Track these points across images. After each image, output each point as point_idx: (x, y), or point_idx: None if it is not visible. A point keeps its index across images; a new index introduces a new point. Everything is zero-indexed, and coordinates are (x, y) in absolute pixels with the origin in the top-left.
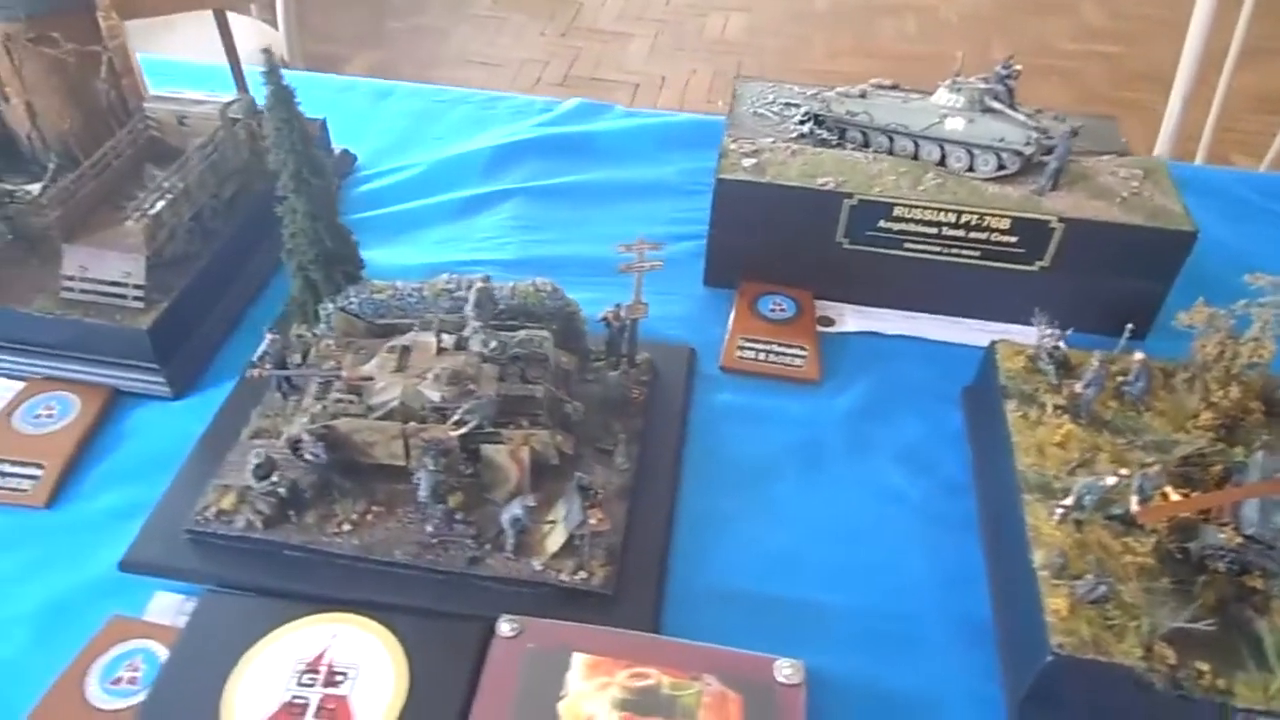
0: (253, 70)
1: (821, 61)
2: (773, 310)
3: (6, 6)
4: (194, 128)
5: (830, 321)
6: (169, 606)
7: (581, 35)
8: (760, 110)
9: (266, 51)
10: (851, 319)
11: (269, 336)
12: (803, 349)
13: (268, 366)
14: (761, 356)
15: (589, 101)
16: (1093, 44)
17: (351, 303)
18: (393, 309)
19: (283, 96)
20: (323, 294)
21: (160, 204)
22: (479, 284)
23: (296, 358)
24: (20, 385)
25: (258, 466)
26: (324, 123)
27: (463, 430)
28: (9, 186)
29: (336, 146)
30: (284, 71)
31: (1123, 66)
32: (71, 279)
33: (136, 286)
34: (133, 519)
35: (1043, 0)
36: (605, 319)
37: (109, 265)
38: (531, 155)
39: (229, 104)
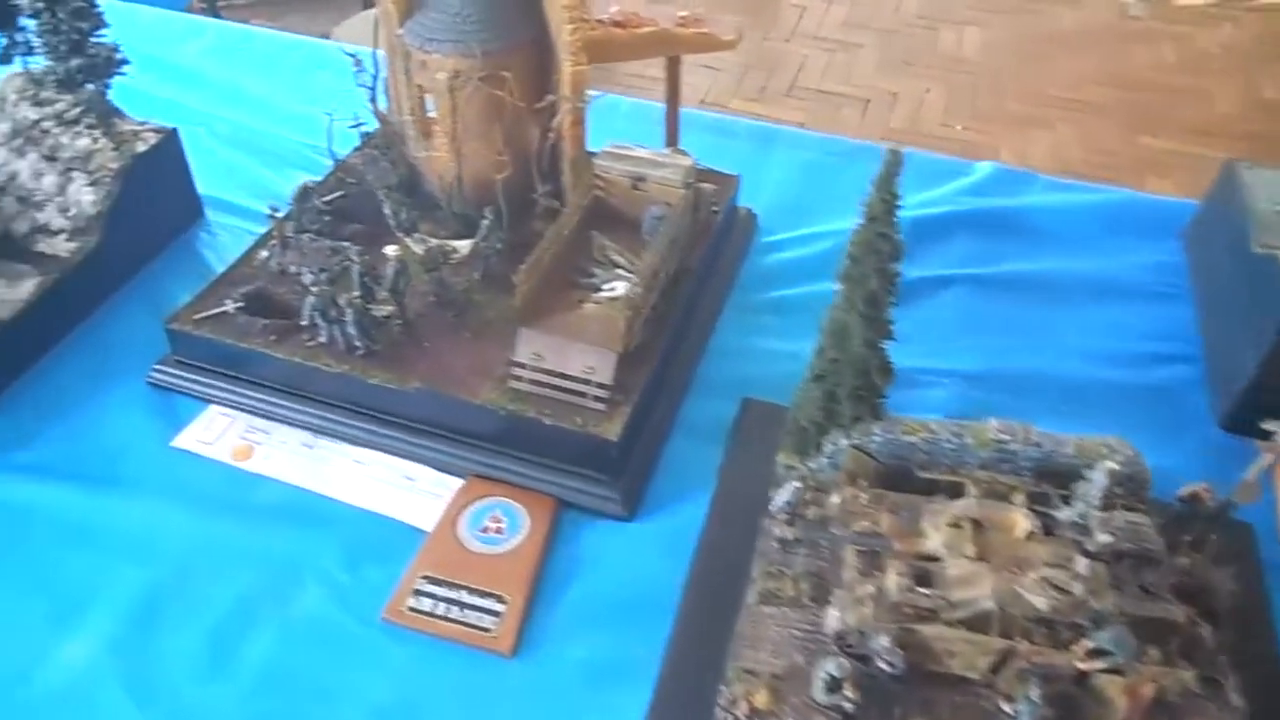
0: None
1: (1066, 88)
2: None
3: (460, 40)
4: (648, 194)
5: None
6: None
7: (805, 42)
8: None
9: (893, 153)
10: None
11: (794, 485)
12: None
13: (785, 517)
14: None
15: (1006, 168)
16: None
17: (874, 441)
18: (918, 454)
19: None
20: (838, 423)
21: (626, 287)
22: (1073, 455)
23: (785, 494)
24: (459, 483)
25: (830, 680)
26: (739, 180)
27: (1099, 666)
28: (437, 242)
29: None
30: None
31: None
32: (523, 366)
33: (600, 386)
34: (611, 680)
35: None
36: (1185, 498)
37: (571, 357)
38: (957, 231)
39: (689, 170)
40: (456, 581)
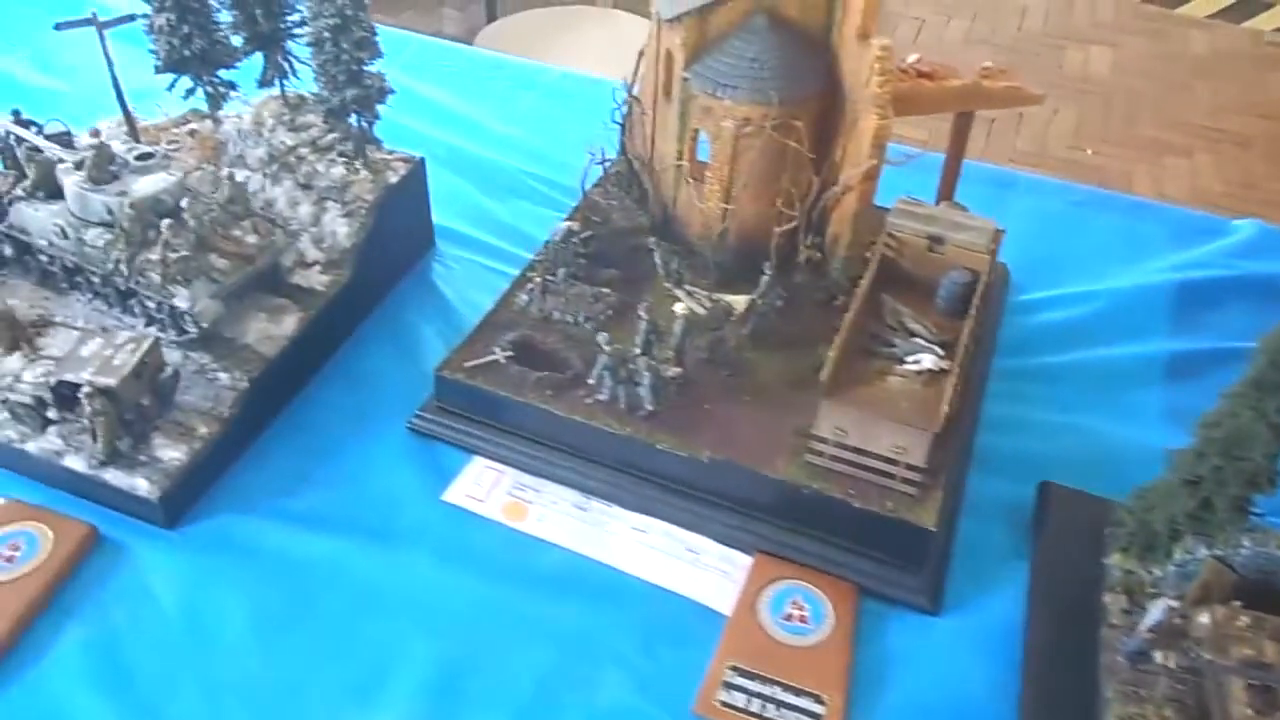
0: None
1: (1205, 116)
2: None
3: (756, 87)
4: (945, 257)
5: None
6: None
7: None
8: None
9: None
10: None
11: (1166, 603)
12: None
13: (1151, 637)
14: None
15: (1270, 228)
16: None
17: (1240, 553)
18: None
19: None
20: (1206, 531)
21: (933, 360)
22: None
23: (1156, 613)
24: (745, 560)
25: None
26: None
27: None
28: (723, 298)
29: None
30: None
31: None
32: (823, 441)
33: (910, 468)
34: None
35: None
36: None
37: (879, 435)
38: (1227, 301)
39: (994, 234)
40: (768, 675)
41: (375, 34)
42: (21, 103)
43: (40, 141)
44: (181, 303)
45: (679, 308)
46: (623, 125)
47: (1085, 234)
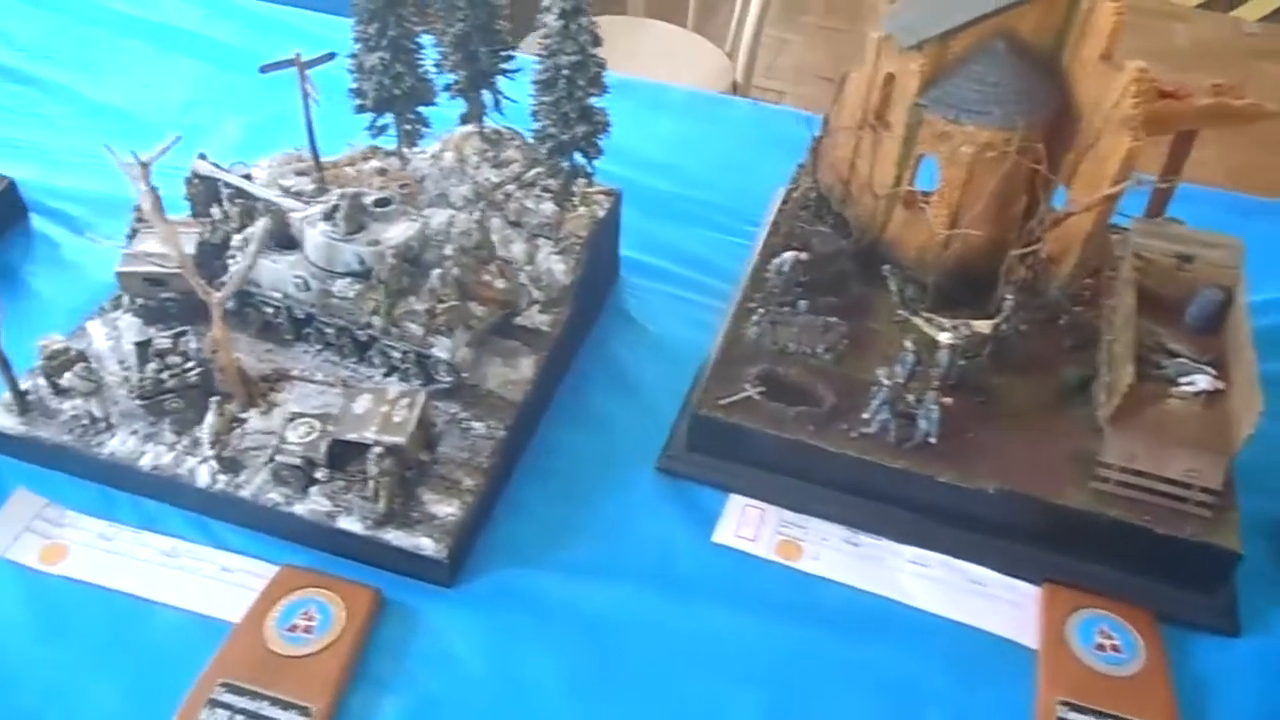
0: None
1: None
2: None
3: (1000, 111)
4: (1194, 275)
5: None
6: None
7: None
8: None
9: None
10: None
11: None
12: None
13: None
14: None
15: None
16: None
17: None
18: None
19: None
20: None
21: (1208, 381)
22: None
23: None
24: (1031, 589)
25: None
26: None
27: None
28: (961, 321)
29: None
30: None
31: None
32: (1109, 467)
33: (1205, 490)
34: None
35: None
36: None
37: (1171, 460)
38: None
39: (1242, 252)
40: (1103, 710)
41: (604, 69)
42: (84, 122)
43: (270, 194)
44: (442, 353)
45: (944, 337)
46: (813, 151)
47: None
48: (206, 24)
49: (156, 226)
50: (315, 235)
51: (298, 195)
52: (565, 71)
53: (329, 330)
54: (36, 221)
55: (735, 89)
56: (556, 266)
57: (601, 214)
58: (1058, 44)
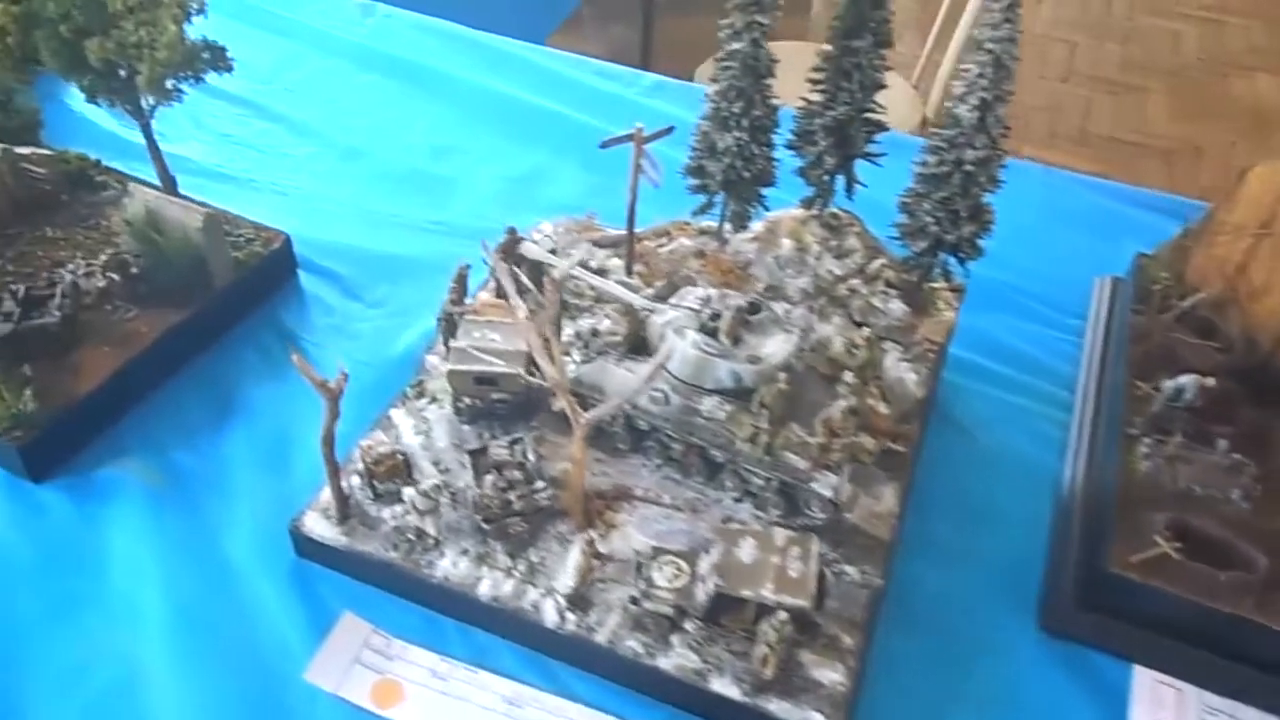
0: None
1: None
2: None
3: None
4: None
5: None
6: None
7: (1085, 83)
8: None
9: None
10: None
11: None
12: None
13: None
14: None
15: None
16: None
17: None
18: None
19: None
20: None
21: None
22: None
23: None
24: None
25: None
26: None
27: None
28: None
29: None
30: None
31: None
32: None
33: None
34: None
35: None
36: None
37: None
38: None
39: None
40: None
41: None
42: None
43: (638, 299)
44: (824, 490)
45: None
46: (1176, 247)
47: None
48: (447, 60)
49: (530, 342)
50: (685, 347)
51: (628, 286)
52: (968, 167)
53: (675, 446)
54: (306, 280)
55: (924, 125)
56: (908, 376)
57: (951, 315)
58: None
